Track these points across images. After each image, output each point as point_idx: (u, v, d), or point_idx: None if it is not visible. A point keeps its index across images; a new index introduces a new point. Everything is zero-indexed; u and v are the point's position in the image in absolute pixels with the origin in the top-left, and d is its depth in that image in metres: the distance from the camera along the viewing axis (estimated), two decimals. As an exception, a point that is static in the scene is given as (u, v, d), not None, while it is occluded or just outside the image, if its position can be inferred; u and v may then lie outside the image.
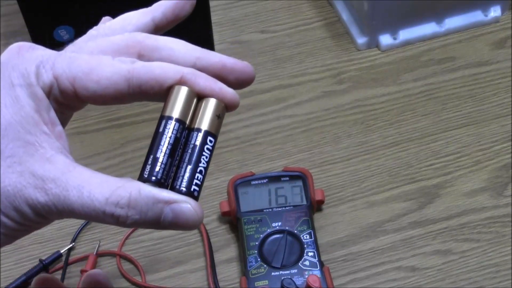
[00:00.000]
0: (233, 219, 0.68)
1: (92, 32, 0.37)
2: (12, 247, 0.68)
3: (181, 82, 0.34)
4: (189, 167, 0.33)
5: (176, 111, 0.33)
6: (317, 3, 0.90)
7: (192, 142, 0.34)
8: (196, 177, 0.33)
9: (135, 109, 0.79)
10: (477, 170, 0.72)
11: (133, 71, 0.33)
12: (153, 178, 0.32)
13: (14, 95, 0.32)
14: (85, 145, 0.76)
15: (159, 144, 0.33)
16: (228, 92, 0.34)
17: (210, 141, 0.34)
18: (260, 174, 0.69)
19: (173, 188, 0.33)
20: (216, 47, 0.84)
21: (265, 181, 0.69)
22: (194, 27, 0.82)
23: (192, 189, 0.33)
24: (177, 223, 0.32)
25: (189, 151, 0.33)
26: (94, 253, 0.67)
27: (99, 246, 0.67)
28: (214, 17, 0.83)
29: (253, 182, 0.69)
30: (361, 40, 0.84)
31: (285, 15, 0.89)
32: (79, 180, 0.32)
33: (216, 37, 0.84)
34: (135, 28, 0.36)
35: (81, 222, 0.69)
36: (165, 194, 0.32)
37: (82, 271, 0.65)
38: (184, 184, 0.33)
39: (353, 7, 0.86)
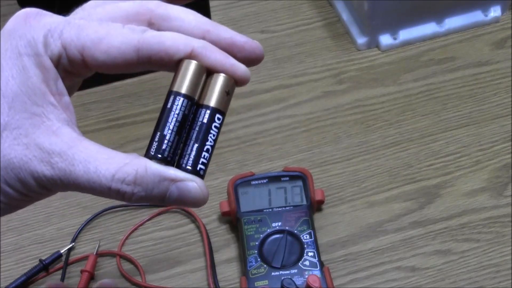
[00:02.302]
0: (233, 219, 0.68)
1: None
2: (12, 247, 0.68)
3: (191, 55, 0.33)
4: (196, 145, 0.33)
5: (184, 86, 0.33)
6: (317, 3, 0.90)
7: (200, 119, 0.33)
8: (202, 155, 0.33)
9: (135, 109, 0.79)
10: (477, 170, 0.72)
11: (143, 41, 0.32)
12: (159, 155, 0.32)
13: (21, 65, 0.32)
14: (85, 145, 0.76)
15: (167, 120, 0.32)
16: (240, 68, 0.34)
17: (218, 118, 0.33)
18: (260, 174, 0.69)
19: (179, 166, 0.33)
20: (216, 47, 0.84)
21: (265, 181, 0.69)
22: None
23: (198, 168, 0.33)
24: (182, 201, 0.32)
25: (197, 128, 0.33)
26: (94, 253, 0.67)
27: (99, 246, 0.67)
28: (214, 17, 0.83)
29: (253, 182, 0.69)
30: (361, 40, 0.84)
31: (285, 15, 0.89)
32: (85, 154, 0.31)
33: (216, 37, 0.84)
34: None
35: (81, 222, 0.69)
36: (172, 171, 0.32)
37: (82, 271, 0.65)
38: (190, 162, 0.33)
39: (353, 7, 0.86)
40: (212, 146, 0.33)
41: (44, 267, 0.65)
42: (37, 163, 0.31)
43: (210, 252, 0.66)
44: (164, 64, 0.33)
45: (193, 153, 0.33)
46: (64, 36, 0.32)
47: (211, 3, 0.80)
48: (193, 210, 0.69)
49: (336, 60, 0.84)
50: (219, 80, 0.33)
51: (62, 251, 0.67)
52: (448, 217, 0.69)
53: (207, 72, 0.33)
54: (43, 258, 0.66)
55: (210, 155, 0.33)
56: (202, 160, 0.33)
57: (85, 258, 0.66)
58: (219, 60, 0.33)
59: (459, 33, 0.86)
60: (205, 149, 0.33)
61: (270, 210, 0.67)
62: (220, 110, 0.33)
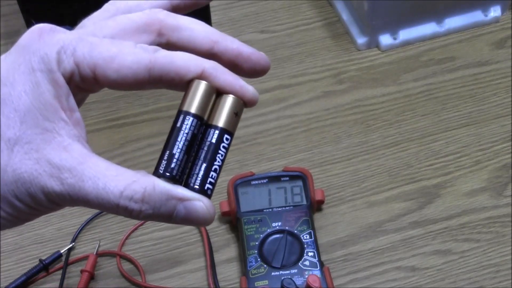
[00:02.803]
0: (233, 219, 0.68)
1: (109, 7, 0.36)
2: (12, 247, 0.68)
3: (202, 76, 0.33)
4: (204, 165, 0.33)
5: (194, 106, 0.33)
6: (317, 3, 0.90)
7: (209, 139, 0.34)
8: (210, 175, 0.33)
9: (135, 109, 0.79)
10: (477, 170, 0.72)
11: (155, 62, 0.33)
12: (168, 174, 0.33)
13: (34, 80, 0.32)
14: (85, 145, 0.76)
15: (176, 139, 0.33)
16: (249, 90, 0.34)
17: (227, 139, 0.34)
18: (260, 174, 0.69)
19: (187, 185, 0.33)
20: (216, 47, 0.84)
21: (265, 181, 0.69)
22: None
23: (205, 188, 0.33)
24: (189, 220, 0.33)
25: (205, 148, 0.33)
26: (94, 253, 0.67)
27: (99, 246, 0.67)
28: (214, 17, 0.83)
29: (253, 182, 0.69)
30: (361, 40, 0.84)
31: (285, 15, 0.89)
32: (94, 171, 0.32)
33: (216, 37, 0.84)
34: (150, 7, 0.36)
35: (81, 222, 0.69)
36: (179, 190, 0.32)
37: (82, 271, 0.65)
38: (198, 182, 0.33)
39: (353, 7, 0.86)
40: (220, 166, 0.34)
41: (44, 267, 0.65)
42: (47, 178, 0.32)
43: (210, 252, 0.66)
44: (174, 84, 0.34)
45: (201, 172, 0.33)
46: (77, 54, 0.33)
47: (211, 3, 0.80)
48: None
49: (336, 60, 0.84)
50: (228, 101, 0.34)
51: (62, 251, 0.67)
52: (448, 217, 0.69)
53: (216, 93, 0.34)
54: (43, 258, 0.66)
55: (218, 175, 0.34)
56: (210, 179, 0.33)
57: (85, 258, 0.66)
58: (228, 82, 0.34)
59: (459, 33, 0.86)
60: (213, 169, 0.33)
61: (270, 210, 0.67)
62: (229, 130, 0.34)
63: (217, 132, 0.34)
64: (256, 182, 0.69)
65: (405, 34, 0.84)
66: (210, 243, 0.67)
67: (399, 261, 0.66)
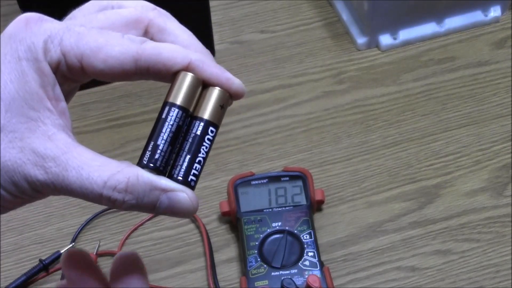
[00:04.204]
0: (233, 219, 0.68)
1: (101, 3, 0.36)
2: (12, 247, 0.68)
3: (188, 68, 0.33)
4: (188, 156, 0.33)
5: (180, 98, 0.33)
6: (317, 3, 0.90)
7: (194, 131, 0.34)
8: (194, 167, 0.33)
9: (135, 109, 0.79)
10: (477, 170, 0.72)
11: (142, 52, 0.33)
12: (152, 165, 0.33)
13: (20, 69, 0.32)
14: (85, 145, 0.75)
15: (161, 131, 0.33)
16: (235, 83, 0.34)
17: (212, 131, 0.34)
18: (260, 174, 0.69)
19: (171, 176, 0.33)
20: (216, 47, 0.84)
21: (265, 181, 0.69)
22: (194, 27, 0.82)
23: (189, 179, 0.33)
24: (172, 211, 0.33)
25: (190, 140, 0.34)
26: (94, 253, 0.67)
27: (99, 246, 0.67)
28: (214, 17, 0.83)
29: (253, 182, 0.69)
30: (361, 40, 0.84)
31: (285, 15, 0.89)
32: (79, 161, 0.32)
33: (216, 37, 0.84)
34: (143, 5, 0.36)
35: (81, 222, 0.69)
36: (163, 181, 0.32)
37: (82, 271, 0.65)
38: (182, 173, 0.33)
39: (353, 7, 0.86)
40: (204, 158, 0.34)
41: (44, 267, 0.65)
42: (31, 166, 0.32)
43: (210, 252, 0.66)
44: (161, 75, 0.34)
45: (185, 164, 0.33)
46: (64, 43, 0.33)
47: (211, 3, 0.80)
48: (193, 210, 0.69)
49: (336, 60, 0.84)
50: (214, 94, 0.34)
51: (62, 251, 0.67)
52: (448, 217, 0.69)
53: (203, 85, 0.34)
54: (43, 258, 0.66)
55: (202, 166, 0.34)
56: (193, 171, 0.33)
57: (85, 258, 0.66)
58: (215, 74, 0.34)
59: (459, 33, 0.86)
60: (197, 161, 0.34)
61: (270, 210, 0.67)
62: (214, 123, 0.34)
63: (202, 124, 0.34)
64: (256, 182, 0.69)
65: (405, 34, 0.84)
66: (210, 243, 0.67)
67: (399, 261, 0.66)
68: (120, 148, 0.76)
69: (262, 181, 0.69)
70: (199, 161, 0.34)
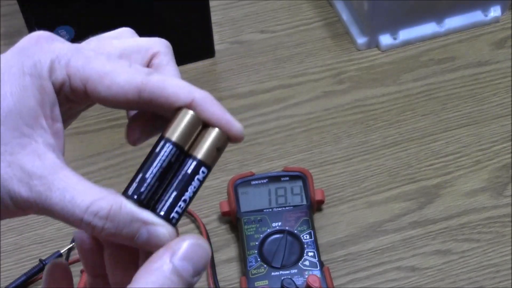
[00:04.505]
0: (233, 219, 0.68)
1: (125, 32, 0.37)
2: (12, 247, 0.68)
3: (191, 106, 0.33)
4: (174, 193, 0.33)
5: (176, 134, 0.33)
6: (317, 3, 0.90)
7: (185, 169, 0.33)
8: (178, 204, 0.33)
9: (135, 109, 0.79)
10: (477, 170, 0.72)
11: (147, 84, 0.33)
12: (136, 197, 0.32)
13: (22, 84, 0.32)
14: (85, 145, 0.76)
15: (151, 164, 0.33)
16: (235, 125, 0.34)
17: (203, 171, 0.33)
18: (260, 174, 0.69)
19: (154, 210, 0.33)
20: (216, 47, 0.84)
21: (265, 181, 0.69)
22: (194, 27, 0.82)
23: (171, 216, 0.33)
24: (150, 244, 0.32)
25: (180, 177, 0.33)
26: (94, 253, 0.66)
27: (99, 246, 0.67)
28: (214, 17, 0.83)
29: (253, 182, 0.69)
30: (361, 40, 0.84)
31: (285, 15, 0.89)
32: (64, 182, 0.31)
33: (216, 37, 0.84)
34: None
35: (81, 222, 0.69)
36: (145, 214, 0.32)
37: (82, 271, 0.65)
38: (165, 209, 0.33)
39: (353, 7, 0.86)
40: (191, 198, 0.33)
41: (44, 267, 0.65)
42: (16, 182, 0.31)
43: (210, 252, 0.66)
44: (163, 109, 0.34)
45: (170, 200, 0.33)
46: (70, 65, 0.33)
47: (211, 3, 0.80)
48: (193, 210, 0.69)
49: (336, 60, 0.84)
50: (212, 135, 0.34)
51: (62, 251, 0.67)
52: (448, 217, 0.69)
53: (203, 124, 0.34)
54: (43, 258, 0.66)
55: (187, 205, 0.33)
56: (177, 209, 0.33)
57: (85, 258, 0.66)
58: (216, 115, 0.34)
59: (459, 33, 0.86)
60: (182, 199, 0.33)
61: (270, 210, 0.67)
62: (207, 164, 0.34)
63: (194, 163, 0.33)
64: (256, 182, 0.69)
65: (405, 34, 0.84)
66: (210, 243, 0.67)
67: (399, 261, 0.66)
68: (120, 148, 0.76)
69: (262, 181, 0.69)
70: (185, 200, 0.33)
